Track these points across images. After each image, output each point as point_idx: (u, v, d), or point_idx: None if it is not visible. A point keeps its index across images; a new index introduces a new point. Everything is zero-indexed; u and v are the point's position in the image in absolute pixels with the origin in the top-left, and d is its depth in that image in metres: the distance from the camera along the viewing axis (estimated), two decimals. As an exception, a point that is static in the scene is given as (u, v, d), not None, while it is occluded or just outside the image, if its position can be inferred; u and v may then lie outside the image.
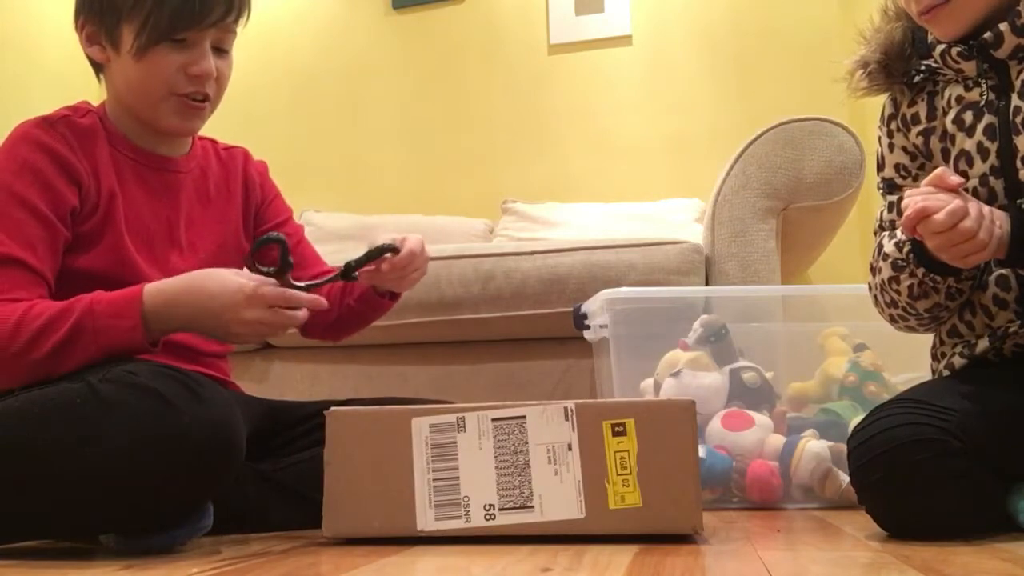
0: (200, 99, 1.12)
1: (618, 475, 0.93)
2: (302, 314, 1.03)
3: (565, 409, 0.95)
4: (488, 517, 0.93)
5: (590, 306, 1.58)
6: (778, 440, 1.39)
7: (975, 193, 1.07)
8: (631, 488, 0.93)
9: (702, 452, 1.38)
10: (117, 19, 1.08)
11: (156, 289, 0.99)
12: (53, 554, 0.92)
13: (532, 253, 1.85)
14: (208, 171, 1.24)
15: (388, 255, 1.14)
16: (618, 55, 2.88)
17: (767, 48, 2.72)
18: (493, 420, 0.95)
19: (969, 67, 1.08)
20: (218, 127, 1.32)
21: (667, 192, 2.59)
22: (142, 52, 1.07)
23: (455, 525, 0.93)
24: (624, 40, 2.88)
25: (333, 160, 3.01)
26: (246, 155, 1.33)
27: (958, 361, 1.12)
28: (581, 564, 0.77)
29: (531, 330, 1.87)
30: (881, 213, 1.20)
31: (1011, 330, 1.07)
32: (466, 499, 0.93)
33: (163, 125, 1.13)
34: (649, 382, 1.51)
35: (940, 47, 1.09)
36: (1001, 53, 1.05)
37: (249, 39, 3.23)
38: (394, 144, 3.01)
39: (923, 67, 1.13)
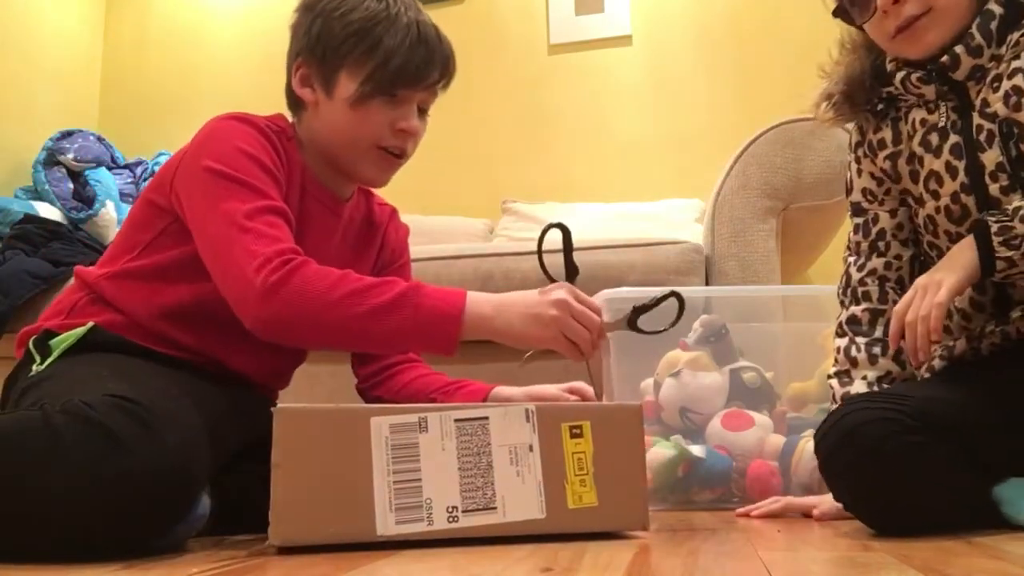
0: (397, 154, 1.16)
1: (576, 475, 0.95)
2: (598, 320, 1.07)
3: (526, 411, 0.95)
4: (451, 519, 0.91)
5: (590, 306, 1.58)
6: (778, 440, 1.39)
7: (947, 211, 1.12)
8: (588, 488, 0.95)
9: (702, 452, 1.38)
10: (337, 66, 1.13)
11: (475, 292, 1.06)
12: (53, 554, 0.92)
13: (532, 253, 1.84)
14: (356, 220, 1.27)
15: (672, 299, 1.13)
16: (618, 55, 2.88)
17: (767, 48, 2.72)
18: (456, 421, 0.93)
19: (929, 91, 1.12)
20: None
21: (667, 192, 2.59)
22: (360, 103, 1.12)
23: (417, 528, 0.90)
24: (624, 40, 2.88)
25: (333, 160, 3.01)
26: (393, 214, 1.36)
27: (937, 363, 1.17)
28: (581, 564, 0.77)
29: (531, 330, 1.87)
30: (849, 235, 1.26)
31: (987, 330, 1.10)
32: (428, 501, 0.90)
33: (359, 174, 1.17)
34: (649, 382, 1.51)
35: (900, 74, 1.13)
36: (959, 75, 1.09)
37: (249, 39, 3.24)
38: (394, 144, 3.01)
39: (885, 94, 1.17)
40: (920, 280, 1.04)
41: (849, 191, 1.27)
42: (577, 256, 1.84)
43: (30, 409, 0.88)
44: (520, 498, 0.93)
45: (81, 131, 2.83)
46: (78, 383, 0.94)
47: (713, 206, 1.85)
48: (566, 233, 1.10)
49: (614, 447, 0.97)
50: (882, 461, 0.97)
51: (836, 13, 1.16)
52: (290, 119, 1.22)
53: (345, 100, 1.12)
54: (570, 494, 0.95)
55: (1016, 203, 1.01)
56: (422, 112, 1.19)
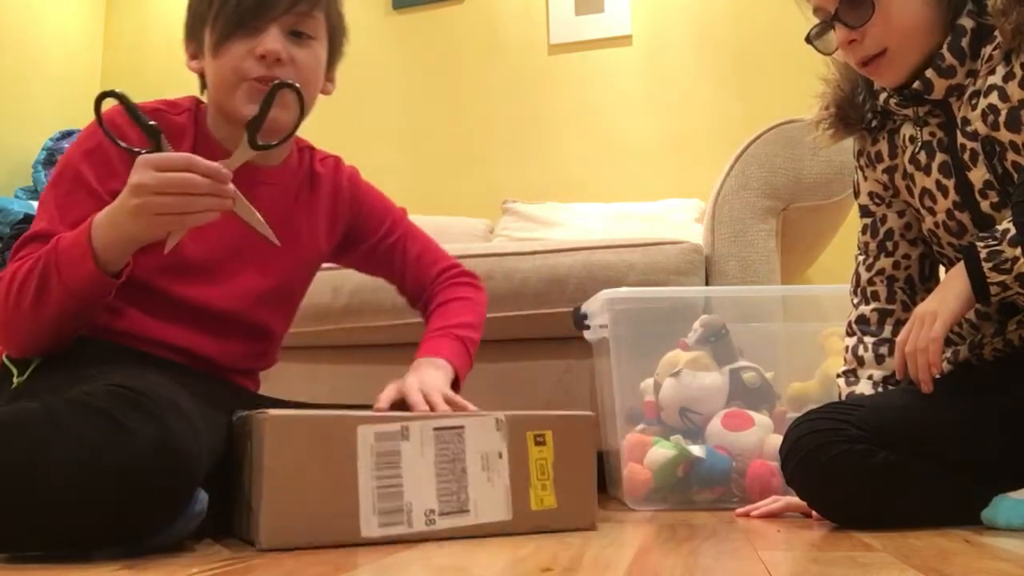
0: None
1: (538, 480, 1.04)
2: (203, 182, 0.93)
3: (496, 420, 1.03)
4: (429, 522, 0.96)
5: (590, 306, 1.58)
6: (778, 440, 1.38)
7: (946, 227, 1.12)
8: (548, 491, 1.04)
9: (702, 452, 1.38)
10: (201, 26, 1.14)
11: (102, 212, 0.97)
12: (52, 554, 0.92)
13: (532, 253, 1.84)
14: (294, 184, 1.24)
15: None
16: (618, 55, 2.88)
17: (767, 48, 2.72)
18: (435, 429, 0.99)
19: (910, 111, 1.12)
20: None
21: (667, 192, 2.58)
22: (217, 47, 1.11)
23: (398, 531, 0.94)
24: (624, 40, 2.88)
25: (333, 160, 3.01)
26: (337, 164, 1.32)
27: (945, 366, 1.17)
28: (581, 564, 0.77)
29: (531, 330, 1.87)
30: (859, 235, 1.26)
31: (985, 339, 1.10)
32: (408, 505, 0.95)
33: (240, 112, 1.11)
34: (649, 382, 1.51)
35: (883, 95, 1.14)
36: (936, 95, 1.09)
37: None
38: (394, 144, 3.01)
39: (879, 108, 1.18)
40: (919, 309, 1.06)
41: (857, 193, 1.27)
42: (576, 256, 1.85)
43: (31, 401, 0.88)
44: (490, 501, 1.00)
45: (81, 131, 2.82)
46: (70, 383, 0.93)
47: (713, 206, 1.85)
48: (123, 100, 0.97)
49: (570, 454, 1.06)
50: (820, 468, 1.06)
51: (808, 41, 1.18)
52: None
53: (210, 50, 1.13)
54: (533, 497, 1.03)
55: (1004, 224, 1.01)
56: (302, 38, 1.13)
